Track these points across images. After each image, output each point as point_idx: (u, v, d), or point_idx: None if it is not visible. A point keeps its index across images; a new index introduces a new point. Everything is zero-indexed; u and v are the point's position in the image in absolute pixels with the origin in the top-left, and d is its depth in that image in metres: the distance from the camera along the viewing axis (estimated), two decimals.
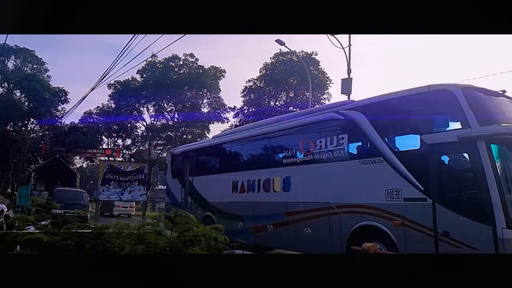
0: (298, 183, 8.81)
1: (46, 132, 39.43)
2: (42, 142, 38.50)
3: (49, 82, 39.89)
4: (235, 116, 34.74)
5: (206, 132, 39.57)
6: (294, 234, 8.60)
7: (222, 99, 38.72)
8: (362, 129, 7.53)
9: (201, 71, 37.59)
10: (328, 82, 32.04)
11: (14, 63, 41.70)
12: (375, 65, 75.17)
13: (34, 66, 42.34)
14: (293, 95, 32.70)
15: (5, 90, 39.06)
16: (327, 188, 8.09)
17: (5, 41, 29.52)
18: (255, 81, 33.84)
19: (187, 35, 9.90)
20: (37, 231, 4.65)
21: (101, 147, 39.89)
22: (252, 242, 9.39)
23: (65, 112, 37.30)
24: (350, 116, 7.90)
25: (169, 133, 39.58)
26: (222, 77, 38.77)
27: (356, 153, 7.83)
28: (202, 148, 13.50)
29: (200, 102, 39.03)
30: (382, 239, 6.75)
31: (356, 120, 7.71)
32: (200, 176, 12.39)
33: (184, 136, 38.78)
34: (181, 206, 11.65)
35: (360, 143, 7.84)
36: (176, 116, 39.24)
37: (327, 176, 8.18)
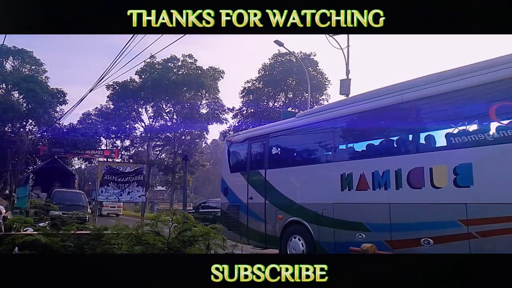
0: (497, 173, 5.52)
1: (45, 133, 39.38)
2: (40, 143, 38.46)
3: (48, 83, 39.95)
4: (234, 116, 34.77)
5: (204, 133, 39.69)
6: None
7: (220, 100, 38.92)
8: None
9: (199, 72, 37.66)
10: (326, 83, 32.12)
11: (12, 64, 41.75)
12: (374, 65, 75.36)
13: (33, 67, 42.36)
14: (291, 95, 32.77)
15: (3, 91, 39.03)
16: None
17: (3, 41, 29.52)
18: (254, 82, 33.90)
19: (186, 35, 9.89)
20: (36, 232, 4.64)
21: (99, 148, 39.88)
22: None
23: (64, 113, 37.34)
24: None
25: (168, 134, 39.61)
26: (220, 78, 38.88)
27: None
28: (281, 131, 9.45)
29: (199, 103, 39.09)
30: None
31: None
32: (279, 168, 9.15)
33: (183, 137, 38.82)
34: (247, 208, 9.44)
35: None
36: (174, 117, 39.30)
37: None
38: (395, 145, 7.07)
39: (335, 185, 7.48)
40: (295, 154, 9.43)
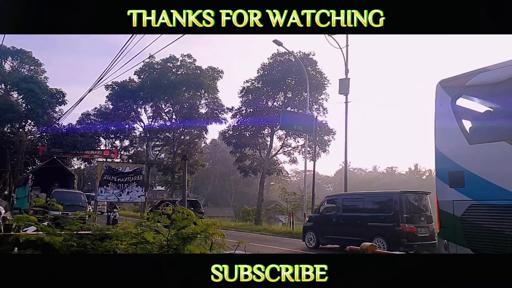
0: None
1: (44, 134, 39.34)
2: (40, 144, 38.42)
3: (47, 84, 39.88)
4: (233, 116, 34.77)
5: (204, 132, 39.67)
6: None
7: (219, 99, 38.92)
8: None
9: (198, 71, 37.68)
10: (325, 82, 32.06)
11: (11, 64, 41.70)
12: (373, 64, 75.40)
13: (32, 68, 42.31)
14: (290, 95, 32.70)
15: (2, 91, 38.96)
16: None
17: (2, 42, 29.46)
18: (253, 81, 33.85)
19: (185, 35, 9.86)
20: (38, 231, 4.64)
21: (98, 148, 39.86)
22: None
23: (63, 113, 37.31)
24: None
25: (167, 134, 39.60)
26: (219, 77, 38.87)
27: None
28: None
29: (198, 102, 39.09)
30: None
31: None
32: None
33: (182, 137, 38.81)
34: None
35: None
36: (174, 117, 39.30)
37: None
38: None
39: None
40: None
